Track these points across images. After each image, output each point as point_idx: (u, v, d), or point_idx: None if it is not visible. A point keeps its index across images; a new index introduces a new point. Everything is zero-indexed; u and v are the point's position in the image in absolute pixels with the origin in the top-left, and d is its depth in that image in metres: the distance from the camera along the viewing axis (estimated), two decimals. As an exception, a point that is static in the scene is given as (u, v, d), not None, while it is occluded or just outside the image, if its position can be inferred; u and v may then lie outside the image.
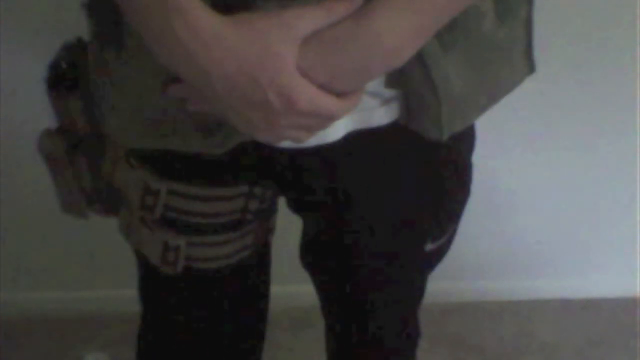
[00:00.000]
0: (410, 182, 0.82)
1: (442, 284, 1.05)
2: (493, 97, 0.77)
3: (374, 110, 0.73)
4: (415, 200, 0.84)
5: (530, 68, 0.80)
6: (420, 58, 0.66)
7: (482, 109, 0.77)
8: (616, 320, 1.80)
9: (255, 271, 0.95)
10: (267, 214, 0.91)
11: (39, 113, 0.89)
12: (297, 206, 0.89)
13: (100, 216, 0.92)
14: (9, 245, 1.68)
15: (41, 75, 0.83)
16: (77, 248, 1.69)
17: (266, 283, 0.99)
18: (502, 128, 1.53)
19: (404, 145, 0.77)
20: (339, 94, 0.63)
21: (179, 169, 0.80)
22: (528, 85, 0.82)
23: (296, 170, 0.79)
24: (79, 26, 0.80)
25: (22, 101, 1.47)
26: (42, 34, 1.36)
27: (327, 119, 0.65)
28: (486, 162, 0.89)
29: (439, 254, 0.92)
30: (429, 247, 0.88)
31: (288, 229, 0.98)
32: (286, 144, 0.68)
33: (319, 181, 0.81)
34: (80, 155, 0.86)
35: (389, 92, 0.72)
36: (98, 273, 1.73)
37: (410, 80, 0.69)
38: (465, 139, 0.84)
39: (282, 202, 0.92)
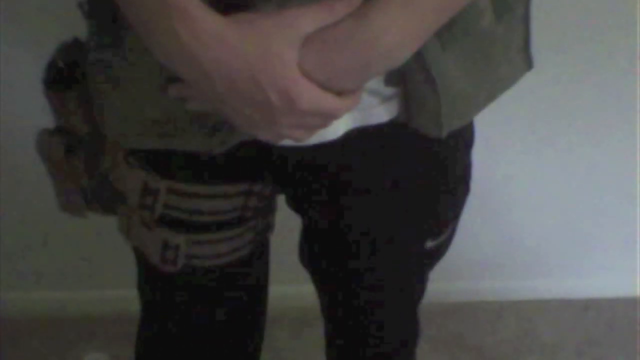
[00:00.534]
0: (410, 180, 0.82)
1: (442, 284, 1.05)
2: (492, 93, 0.77)
3: (373, 108, 0.73)
4: (415, 198, 0.84)
5: (528, 64, 0.80)
6: (419, 55, 0.66)
7: (481, 105, 0.77)
8: (616, 320, 1.80)
9: (254, 269, 0.95)
10: (267, 212, 0.91)
11: (37, 113, 0.90)
12: (296, 204, 0.89)
13: (99, 215, 0.92)
14: (9, 245, 1.68)
15: (39, 75, 0.83)
16: (77, 248, 1.69)
17: (265, 281, 0.99)
18: (502, 127, 1.53)
19: (403, 142, 0.78)
20: (339, 93, 0.64)
21: (178, 168, 0.80)
22: (528, 84, 0.82)
23: (296, 168, 0.79)
24: (76, 26, 0.80)
25: (20, 101, 1.47)
26: (39, 33, 1.36)
27: (328, 118, 0.65)
28: (485, 161, 0.90)
29: (439, 252, 0.92)
30: (429, 244, 0.89)
31: (288, 229, 0.99)
32: (286, 142, 0.69)
33: (319, 179, 0.81)
34: (79, 155, 0.86)
35: (388, 90, 0.72)
36: (98, 273, 1.73)
37: (409, 78, 0.70)
38: (464, 136, 0.85)
39: (282, 202, 0.92)
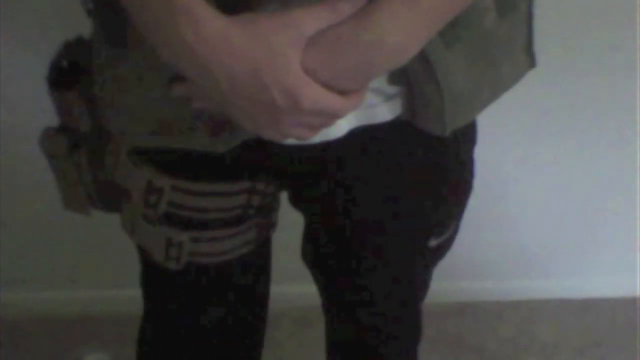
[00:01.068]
0: (413, 178, 0.82)
1: (442, 284, 1.05)
2: (495, 92, 0.78)
3: (377, 107, 0.73)
4: (418, 196, 0.84)
5: (531, 63, 0.80)
6: (422, 54, 0.66)
7: (484, 104, 0.78)
8: (616, 320, 1.80)
9: (256, 266, 0.95)
10: (269, 210, 0.91)
11: (38, 112, 0.90)
12: (299, 202, 0.89)
13: (102, 213, 0.92)
14: (9, 245, 1.68)
15: (42, 74, 0.83)
16: (77, 248, 1.69)
17: (267, 278, 0.99)
18: (503, 128, 1.53)
19: (406, 141, 0.78)
20: (343, 93, 0.64)
21: (182, 166, 0.80)
22: (529, 83, 0.82)
23: (299, 166, 0.79)
24: (80, 24, 0.80)
25: (22, 100, 1.47)
26: (42, 32, 1.36)
27: (332, 117, 0.65)
28: (485, 161, 0.90)
29: (443, 250, 0.92)
30: (433, 242, 0.89)
31: (288, 229, 0.99)
32: (290, 141, 0.69)
33: (322, 177, 0.81)
34: (82, 153, 0.86)
35: (391, 89, 0.73)
36: (98, 273, 1.73)
37: (413, 77, 0.70)
38: (467, 135, 0.85)
39: (283, 202, 0.92)
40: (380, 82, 0.71)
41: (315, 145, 0.73)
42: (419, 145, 0.79)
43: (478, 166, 0.90)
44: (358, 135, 0.74)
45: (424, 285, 0.99)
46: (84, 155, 0.86)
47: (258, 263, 0.95)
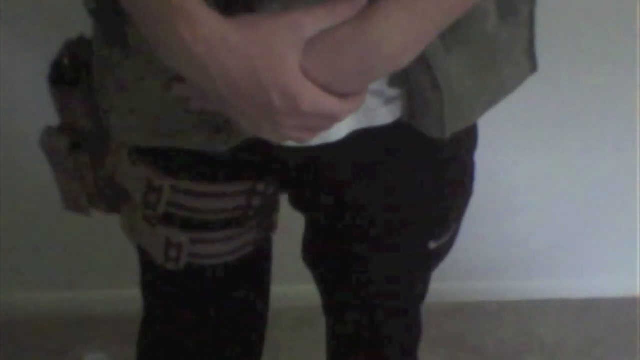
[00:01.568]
0: (413, 181, 0.82)
1: (442, 284, 1.05)
2: (495, 96, 0.77)
3: (377, 110, 0.73)
4: (418, 199, 0.84)
5: (533, 67, 0.80)
6: (423, 57, 0.66)
7: (484, 108, 0.77)
8: (616, 320, 1.80)
9: (256, 268, 0.95)
10: (269, 211, 0.91)
11: (38, 112, 0.89)
12: (300, 203, 0.89)
13: (102, 213, 0.92)
14: (9, 245, 1.68)
15: (44, 73, 0.83)
16: (77, 248, 1.69)
17: (267, 280, 0.99)
18: (503, 128, 1.53)
19: (406, 143, 0.78)
20: (342, 95, 0.64)
21: (182, 166, 0.80)
22: (529, 85, 0.82)
23: (299, 168, 0.79)
24: (81, 23, 0.80)
25: (22, 100, 1.47)
26: (44, 31, 1.36)
27: (331, 120, 0.65)
28: (486, 161, 0.90)
29: (442, 252, 0.92)
30: (432, 245, 0.89)
31: (288, 229, 0.99)
32: (289, 143, 0.69)
33: (322, 179, 0.81)
34: (83, 152, 0.86)
35: (391, 91, 0.72)
36: (98, 273, 1.73)
37: (413, 80, 0.70)
38: (468, 138, 0.85)
39: (284, 202, 0.92)
40: (380, 85, 0.71)
41: (314, 147, 0.73)
42: (418, 148, 0.79)
43: (478, 166, 0.90)
44: (358, 137, 0.74)
45: (424, 287, 0.99)
46: (84, 155, 0.86)
47: (258, 264, 0.95)
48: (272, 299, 1.01)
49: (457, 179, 0.87)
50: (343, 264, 0.92)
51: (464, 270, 1.73)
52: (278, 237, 0.97)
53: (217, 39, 0.59)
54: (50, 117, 0.87)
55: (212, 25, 0.59)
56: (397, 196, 0.83)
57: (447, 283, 1.39)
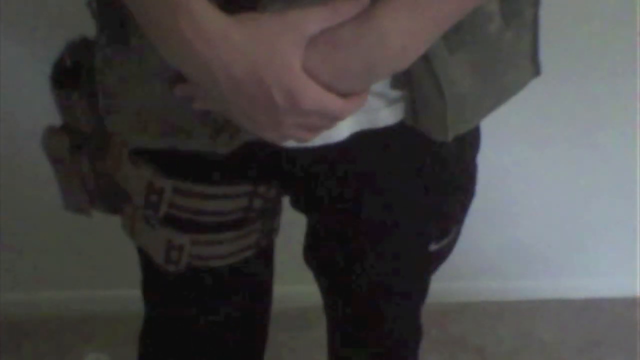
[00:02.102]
0: (415, 183, 0.82)
1: (442, 284, 1.05)
2: (499, 98, 0.77)
3: (379, 111, 0.73)
4: (419, 201, 0.84)
5: (536, 71, 0.80)
6: (426, 59, 0.66)
7: (487, 110, 0.77)
8: (616, 320, 1.80)
9: (258, 271, 0.95)
10: (272, 214, 0.91)
11: (39, 112, 0.89)
12: (301, 204, 0.89)
13: (100, 215, 0.92)
14: (9, 245, 1.68)
15: (45, 73, 0.83)
16: (77, 248, 1.69)
17: (269, 283, 0.99)
18: (503, 128, 1.53)
19: (408, 145, 0.78)
20: (344, 95, 0.64)
21: (183, 167, 0.80)
22: (531, 86, 0.82)
23: (301, 169, 0.79)
24: (84, 24, 0.80)
25: (24, 100, 1.47)
26: (46, 31, 1.36)
27: (332, 119, 0.65)
28: (485, 162, 0.90)
29: (443, 254, 0.92)
30: (433, 247, 0.88)
31: (289, 230, 0.98)
32: (291, 143, 0.68)
33: (324, 181, 0.81)
34: (84, 153, 0.86)
35: (394, 93, 0.72)
36: (98, 273, 1.73)
37: (416, 81, 0.70)
38: (470, 140, 0.84)
39: (284, 203, 0.92)
40: (382, 86, 0.71)
41: (316, 148, 0.73)
42: (420, 150, 0.79)
43: (478, 166, 0.90)
44: (360, 138, 0.74)
45: (424, 289, 0.99)
46: (85, 156, 0.86)
47: (261, 267, 0.95)
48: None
49: (459, 181, 0.86)
50: (344, 265, 0.91)
51: (464, 271, 1.73)
52: (278, 237, 0.97)
53: (218, 35, 0.59)
54: (52, 117, 0.87)
55: (214, 23, 0.59)
56: (398, 198, 0.83)
57: (447, 283, 1.39)
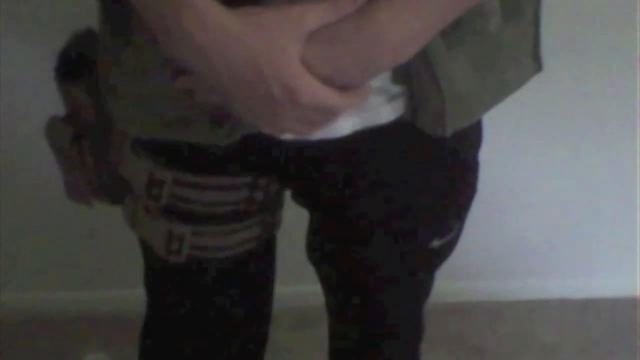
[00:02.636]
0: (416, 179, 0.82)
1: (442, 284, 1.05)
2: (498, 95, 0.77)
3: (380, 108, 0.73)
4: (421, 197, 0.84)
5: (537, 67, 0.80)
6: (424, 55, 0.67)
7: (486, 107, 0.77)
8: (616, 320, 1.80)
9: (260, 264, 0.95)
10: (273, 208, 0.91)
11: (38, 112, 0.89)
12: (303, 199, 0.89)
13: (102, 213, 0.92)
14: (9, 245, 1.68)
15: (49, 64, 0.84)
16: (77, 248, 1.69)
17: (271, 277, 0.99)
18: (503, 127, 1.53)
19: (409, 141, 0.78)
20: (343, 89, 0.64)
21: (184, 159, 0.80)
22: (531, 84, 0.82)
23: (300, 163, 0.79)
24: (89, 16, 0.81)
25: (23, 100, 1.47)
26: (51, 23, 1.36)
27: (331, 113, 0.65)
28: (485, 161, 0.90)
29: (446, 251, 0.92)
30: (435, 243, 0.88)
31: (288, 229, 0.98)
32: (289, 136, 0.69)
33: (325, 174, 0.81)
34: (87, 143, 0.86)
35: (395, 88, 0.72)
36: (98, 273, 1.73)
37: (414, 77, 0.70)
38: (471, 137, 0.84)
39: (287, 203, 0.92)
40: (384, 82, 0.71)
41: (317, 141, 0.73)
42: (420, 146, 0.79)
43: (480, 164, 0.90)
44: (359, 135, 0.74)
45: (427, 286, 0.99)
46: (88, 146, 0.86)
47: (262, 260, 0.95)
48: (272, 300, 1.01)
49: (460, 177, 0.86)
50: (345, 262, 0.92)
51: (465, 270, 1.73)
52: (278, 237, 0.97)
53: (218, 27, 0.59)
54: (56, 108, 0.87)
55: (214, 15, 0.59)
56: (399, 194, 0.83)
57: (447, 283, 1.39)
